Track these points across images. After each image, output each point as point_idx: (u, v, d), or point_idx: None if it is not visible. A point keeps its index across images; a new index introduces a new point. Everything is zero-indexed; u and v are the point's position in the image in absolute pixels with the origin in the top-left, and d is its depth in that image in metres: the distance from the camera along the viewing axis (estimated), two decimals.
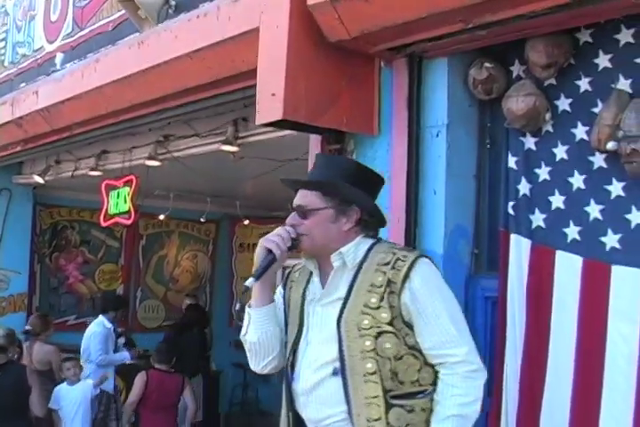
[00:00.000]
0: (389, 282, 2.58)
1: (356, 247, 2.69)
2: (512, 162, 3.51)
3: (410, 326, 2.59)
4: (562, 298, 3.25)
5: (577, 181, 3.29)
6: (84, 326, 9.25)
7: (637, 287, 3.03)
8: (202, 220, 9.88)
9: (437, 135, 3.59)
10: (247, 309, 2.76)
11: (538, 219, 3.40)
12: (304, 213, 2.69)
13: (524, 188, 3.45)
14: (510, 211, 3.48)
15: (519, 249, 3.40)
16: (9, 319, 8.23)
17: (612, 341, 3.09)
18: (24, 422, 5.23)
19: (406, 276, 2.58)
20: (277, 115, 3.52)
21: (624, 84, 3.15)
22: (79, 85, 5.25)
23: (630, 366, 3.01)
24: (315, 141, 4.01)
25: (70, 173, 7.48)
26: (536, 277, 3.34)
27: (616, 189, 3.16)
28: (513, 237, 3.43)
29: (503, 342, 3.44)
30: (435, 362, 2.61)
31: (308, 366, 2.68)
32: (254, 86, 3.78)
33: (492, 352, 3.52)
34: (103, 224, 7.14)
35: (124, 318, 10.02)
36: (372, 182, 2.84)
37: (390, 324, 2.56)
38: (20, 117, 6.18)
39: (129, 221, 6.65)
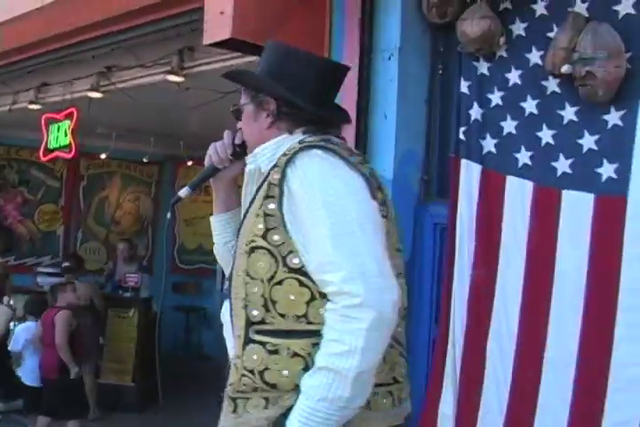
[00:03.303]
0: (269, 183, 2.02)
1: (275, 147, 2.15)
2: (464, 87, 3.46)
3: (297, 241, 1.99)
4: (512, 223, 3.24)
5: (529, 105, 3.26)
6: (24, 267, 9.14)
7: (587, 212, 3.03)
8: (144, 160, 9.70)
9: (389, 59, 3.53)
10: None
11: (489, 144, 3.36)
12: (236, 113, 2.29)
13: (475, 113, 3.41)
14: (461, 136, 3.44)
15: (470, 174, 3.38)
16: None
17: (561, 266, 3.09)
18: None
19: (283, 174, 1.98)
20: (225, 33, 3.42)
21: (580, 7, 3.10)
22: (18, 6, 5.03)
23: (578, 291, 3.02)
24: None
25: (8, 107, 7.20)
26: (486, 203, 3.32)
27: (569, 113, 3.14)
28: (463, 162, 3.40)
29: (451, 269, 3.42)
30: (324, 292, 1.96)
31: None
32: (201, 9, 3.66)
33: (439, 279, 3.52)
34: (43, 159, 6.93)
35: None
36: (294, 65, 2.19)
37: (264, 237, 1.99)
38: None
39: (69, 155, 6.47)
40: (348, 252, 1.89)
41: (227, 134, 2.30)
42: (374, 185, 2.07)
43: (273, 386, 1.96)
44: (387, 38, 3.54)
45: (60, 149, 6.50)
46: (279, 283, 1.98)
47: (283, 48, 2.25)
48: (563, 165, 3.13)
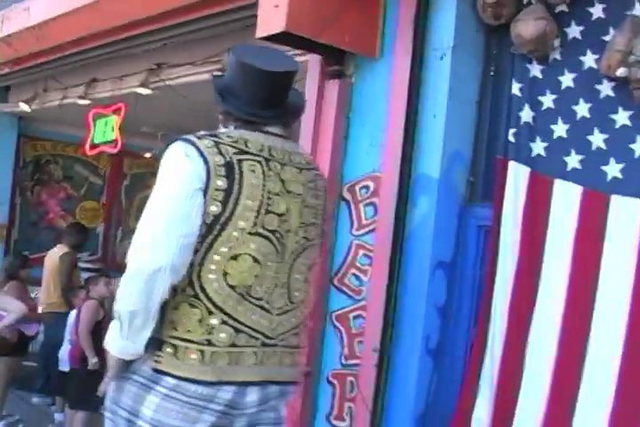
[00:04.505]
0: None
1: None
2: (516, 89, 3.41)
3: None
4: (557, 227, 3.19)
5: (582, 109, 3.21)
6: None
7: (635, 218, 2.98)
8: None
9: (442, 58, 3.49)
10: None
11: (539, 147, 3.32)
12: None
13: (526, 115, 3.36)
14: (511, 138, 3.39)
15: (517, 177, 3.33)
16: None
17: (606, 272, 3.03)
18: None
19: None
20: (280, 26, 3.40)
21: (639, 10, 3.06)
22: (72, 1, 5.09)
23: (623, 297, 2.96)
24: (314, 63, 3.90)
25: (57, 102, 7.28)
26: (532, 206, 3.27)
27: (622, 117, 3.09)
28: (511, 164, 3.34)
29: (494, 272, 3.36)
30: None
31: None
32: (254, 6, 3.67)
33: (480, 282, 3.47)
34: (88, 153, 7.02)
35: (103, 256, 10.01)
36: (235, 75, 2.63)
37: None
38: (9, 35, 6.01)
39: (114, 150, 6.54)
40: (142, 221, 2.38)
41: None
42: (219, 172, 2.38)
43: None
44: (440, 37, 3.50)
45: (105, 143, 6.56)
46: None
47: (235, 56, 2.63)
48: (613, 169, 3.08)
